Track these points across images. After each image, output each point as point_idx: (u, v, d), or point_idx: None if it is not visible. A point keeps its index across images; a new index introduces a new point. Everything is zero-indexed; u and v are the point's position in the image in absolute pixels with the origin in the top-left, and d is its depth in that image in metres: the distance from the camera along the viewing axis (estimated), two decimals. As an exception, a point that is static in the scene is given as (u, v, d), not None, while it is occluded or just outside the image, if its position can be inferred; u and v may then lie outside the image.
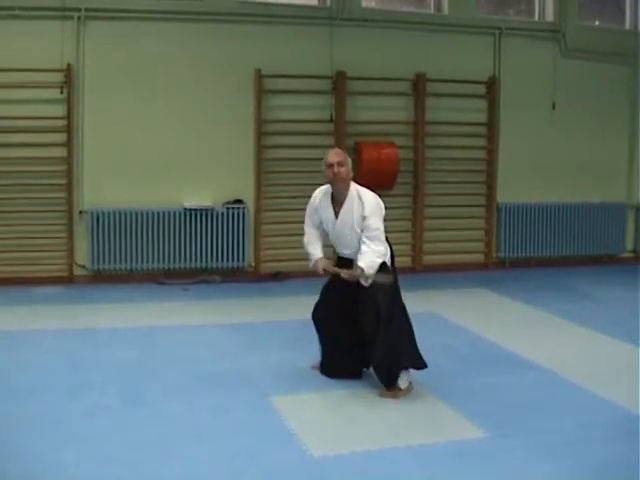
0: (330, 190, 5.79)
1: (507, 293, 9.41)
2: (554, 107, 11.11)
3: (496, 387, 5.92)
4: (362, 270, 5.49)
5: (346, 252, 5.82)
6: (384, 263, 5.64)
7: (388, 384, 5.70)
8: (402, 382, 5.70)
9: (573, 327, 7.84)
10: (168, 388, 5.81)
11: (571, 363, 6.52)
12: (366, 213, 5.59)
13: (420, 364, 5.79)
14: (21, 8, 9.10)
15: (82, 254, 9.63)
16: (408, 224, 10.66)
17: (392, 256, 5.85)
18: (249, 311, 8.39)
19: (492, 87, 10.84)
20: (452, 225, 10.78)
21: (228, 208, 9.91)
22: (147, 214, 9.70)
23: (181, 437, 4.86)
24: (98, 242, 9.57)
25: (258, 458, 4.56)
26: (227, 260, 9.96)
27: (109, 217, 9.57)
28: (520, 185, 11.11)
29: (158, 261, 9.80)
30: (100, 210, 9.54)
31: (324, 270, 5.82)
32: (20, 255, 9.37)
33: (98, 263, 9.61)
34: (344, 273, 5.63)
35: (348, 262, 5.79)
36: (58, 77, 9.27)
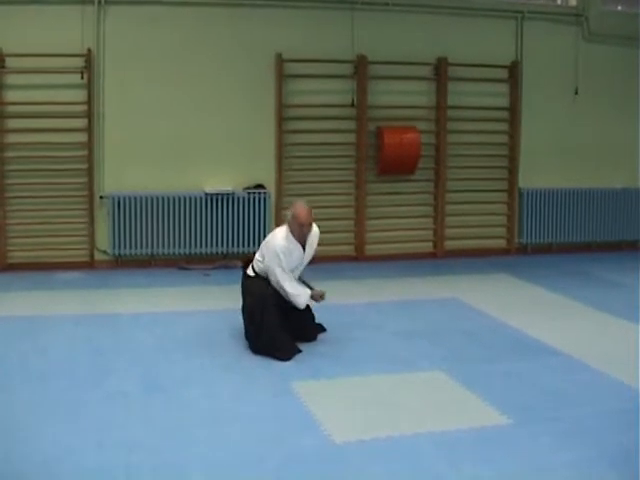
0: (290, 234, 6.37)
1: (529, 279, 9.35)
2: (577, 92, 10.99)
3: (518, 373, 5.89)
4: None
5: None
6: None
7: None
8: None
9: (595, 313, 7.79)
10: (188, 374, 5.82)
11: (593, 349, 6.47)
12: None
13: None
14: (41, -7, 9.11)
15: (103, 239, 9.66)
16: (429, 209, 10.57)
17: None
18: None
19: (514, 71, 10.73)
20: (474, 210, 10.73)
21: (249, 193, 9.89)
22: (168, 199, 9.70)
23: (202, 423, 4.86)
24: (119, 227, 9.59)
25: (280, 444, 4.55)
26: (248, 245, 9.93)
27: (130, 202, 9.58)
28: (542, 170, 11.01)
29: (179, 246, 9.81)
30: (121, 195, 9.55)
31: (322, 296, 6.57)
32: (41, 240, 9.40)
33: (119, 248, 9.63)
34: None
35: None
36: (78, 62, 9.25)
